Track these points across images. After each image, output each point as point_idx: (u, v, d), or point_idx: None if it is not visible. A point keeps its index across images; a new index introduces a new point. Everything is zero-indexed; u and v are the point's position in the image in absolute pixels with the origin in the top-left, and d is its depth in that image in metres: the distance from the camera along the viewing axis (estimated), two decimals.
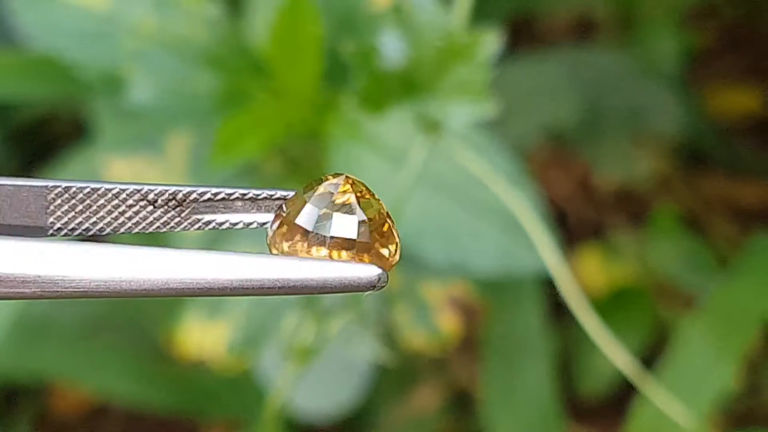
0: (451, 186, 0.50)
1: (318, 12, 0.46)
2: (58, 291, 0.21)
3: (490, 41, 0.42)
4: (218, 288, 0.21)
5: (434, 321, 0.57)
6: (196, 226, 0.23)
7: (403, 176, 0.44)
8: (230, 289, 0.21)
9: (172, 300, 0.57)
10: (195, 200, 0.23)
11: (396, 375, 0.68)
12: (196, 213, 0.23)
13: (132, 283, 0.21)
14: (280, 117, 0.49)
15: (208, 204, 0.23)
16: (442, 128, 0.43)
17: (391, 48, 0.42)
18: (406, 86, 0.42)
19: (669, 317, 0.73)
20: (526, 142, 0.72)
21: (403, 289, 0.57)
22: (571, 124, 0.73)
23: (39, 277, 0.21)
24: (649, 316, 0.72)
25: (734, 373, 0.61)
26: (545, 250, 0.47)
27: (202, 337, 0.56)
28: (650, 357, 0.64)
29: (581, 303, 0.48)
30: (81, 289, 0.21)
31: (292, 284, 0.21)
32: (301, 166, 0.53)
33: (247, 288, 0.21)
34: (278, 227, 0.23)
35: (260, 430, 0.52)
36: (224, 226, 0.23)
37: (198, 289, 0.21)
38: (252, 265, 0.21)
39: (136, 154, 0.55)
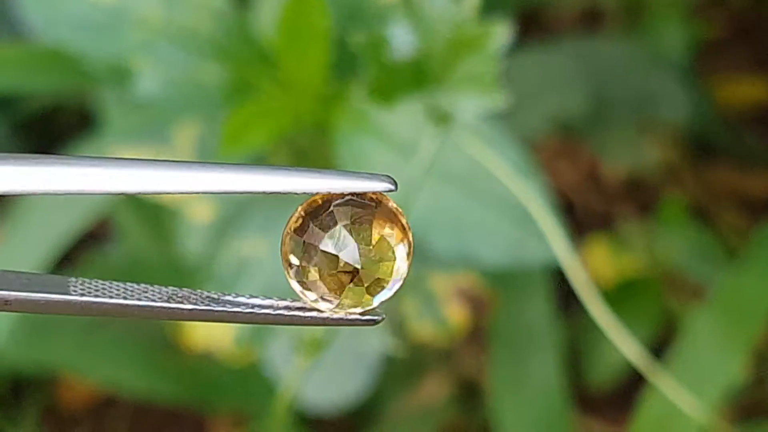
0: (460, 177, 0.50)
1: (325, 2, 0.46)
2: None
3: (500, 33, 0.42)
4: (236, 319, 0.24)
5: (442, 312, 0.57)
6: None
7: (412, 168, 0.44)
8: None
9: None
10: None
11: (404, 366, 0.68)
12: None
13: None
14: (288, 108, 0.49)
15: None
16: (451, 120, 0.43)
17: (401, 39, 0.42)
18: (415, 78, 0.42)
19: (677, 308, 0.72)
20: (534, 132, 0.72)
21: (412, 281, 0.57)
22: (579, 114, 0.73)
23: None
24: (657, 307, 0.72)
25: (742, 364, 0.61)
26: (554, 241, 0.47)
27: (210, 329, 0.56)
28: (659, 347, 0.64)
29: (590, 293, 0.48)
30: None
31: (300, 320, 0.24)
32: (309, 157, 0.53)
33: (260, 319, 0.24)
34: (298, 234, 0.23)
35: (269, 422, 0.52)
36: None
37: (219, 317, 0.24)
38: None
39: (142, 145, 0.55)
